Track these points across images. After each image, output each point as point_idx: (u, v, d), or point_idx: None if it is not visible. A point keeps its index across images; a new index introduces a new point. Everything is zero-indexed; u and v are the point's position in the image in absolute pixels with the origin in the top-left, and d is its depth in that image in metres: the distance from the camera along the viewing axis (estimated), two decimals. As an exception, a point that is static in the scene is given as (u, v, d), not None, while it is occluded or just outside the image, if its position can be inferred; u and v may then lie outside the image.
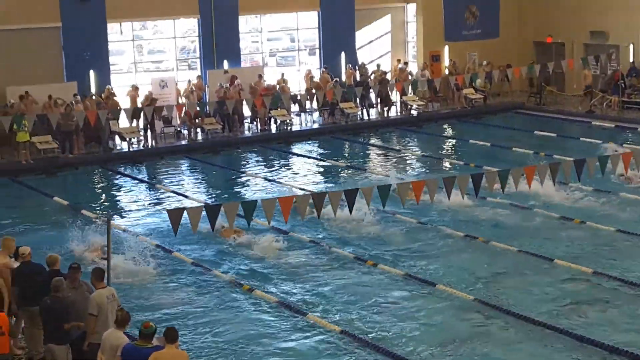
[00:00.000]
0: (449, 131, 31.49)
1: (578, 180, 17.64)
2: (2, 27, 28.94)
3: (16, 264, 13.35)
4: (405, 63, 35.31)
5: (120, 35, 33.33)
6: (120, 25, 33.44)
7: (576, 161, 16.69)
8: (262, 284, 16.47)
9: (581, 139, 28.05)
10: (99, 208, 22.47)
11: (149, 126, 28.96)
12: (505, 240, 18.41)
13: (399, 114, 33.27)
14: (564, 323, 14.13)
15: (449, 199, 16.60)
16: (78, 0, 29.82)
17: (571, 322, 14.22)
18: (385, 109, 32.88)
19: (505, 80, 34.37)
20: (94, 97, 29.17)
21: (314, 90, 31.92)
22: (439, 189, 16.32)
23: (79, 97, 28.40)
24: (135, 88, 30.54)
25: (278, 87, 31.76)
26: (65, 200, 22.92)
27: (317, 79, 33.43)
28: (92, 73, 30.39)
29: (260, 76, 32.31)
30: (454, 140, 29.99)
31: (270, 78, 33.04)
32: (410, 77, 33.81)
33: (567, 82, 34.98)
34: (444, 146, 29.04)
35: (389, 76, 34.86)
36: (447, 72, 35.00)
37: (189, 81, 31.54)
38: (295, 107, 31.95)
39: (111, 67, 31.58)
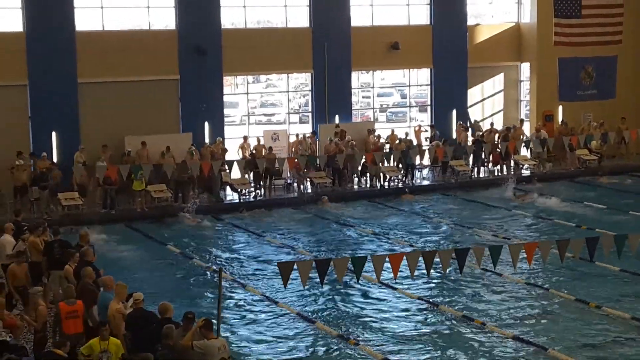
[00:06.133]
0: (561, 192, 30.85)
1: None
2: (124, 79, 29.95)
3: (129, 310, 13.65)
4: (521, 121, 35.00)
5: (234, 88, 34.05)
6: (235, 78, 34.19)
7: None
8: (368, 339, 16.37)
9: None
10: (209, 257, 22.81)
11: (261, 178, 29.44)
12: (617, 305, 17.87)
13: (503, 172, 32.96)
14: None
15: (562, 261, 16.25)
16: (196, 54, 30.61)
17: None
18: (497, 167, 32.62)
19: (622, 143, 33.66)
20: (209, 148, 29.75)
21: (424, 147, 31.95)
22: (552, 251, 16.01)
23: (194, 148, 29.08)
24: (246, 140, 31.05)
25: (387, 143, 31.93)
26: (178, 248, 23.36)
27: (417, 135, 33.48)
28: (206, 124, 31.09)
29: (369, 131, 32.43)
30: (567, 202, 29.32)
31: (382, 134, 33.13)
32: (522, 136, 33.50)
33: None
34: (556, 207, 28.44)
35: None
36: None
37: (297, 135, 31.90)
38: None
39: (225, 119, 32.26)
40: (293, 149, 31.42)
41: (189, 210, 27.17)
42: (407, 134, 32.81)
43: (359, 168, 30.88)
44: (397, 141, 31.90)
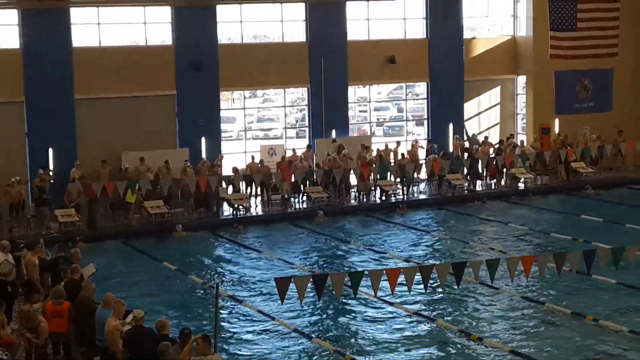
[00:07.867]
0: (558, 205, 30.86)
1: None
2: (121, 95, 29.98)
3: (127, 327, 13.62)
4: (511, 135, 35.01)
5: (231, 103, 34.09)
6: (232, 93, 34.17)
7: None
8: (365, 354, 16.32)
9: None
10: (206, 273, 22.77)
11: (259, 193, 29.45)
12: (614, 319, 17.86)
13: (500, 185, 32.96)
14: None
15: (559, 275, 16.26)
16: (192, 70, 30.65)
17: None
18: (494, 181, 32.64)
19: (618, 155, 33.72)
20: (206, 163, 29.74)
21: (420, 161, 31.97)
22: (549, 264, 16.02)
23: (188, 163, 29.12)
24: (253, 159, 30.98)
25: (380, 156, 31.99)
26: (173, 265, 23.33)
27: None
28: (203, 140, 31.09)
29: (363, 145, 32.39)
30: (564, 215, 29.34)
31: (378, 148, 33.15)
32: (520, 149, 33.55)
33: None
34: (553, 220, 28.46)
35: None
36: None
37: (293, 150, 31.91)
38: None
39: (222, 134, 32.25)
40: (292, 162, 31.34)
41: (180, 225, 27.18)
42: (412, 145, 32.94)
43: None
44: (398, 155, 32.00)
